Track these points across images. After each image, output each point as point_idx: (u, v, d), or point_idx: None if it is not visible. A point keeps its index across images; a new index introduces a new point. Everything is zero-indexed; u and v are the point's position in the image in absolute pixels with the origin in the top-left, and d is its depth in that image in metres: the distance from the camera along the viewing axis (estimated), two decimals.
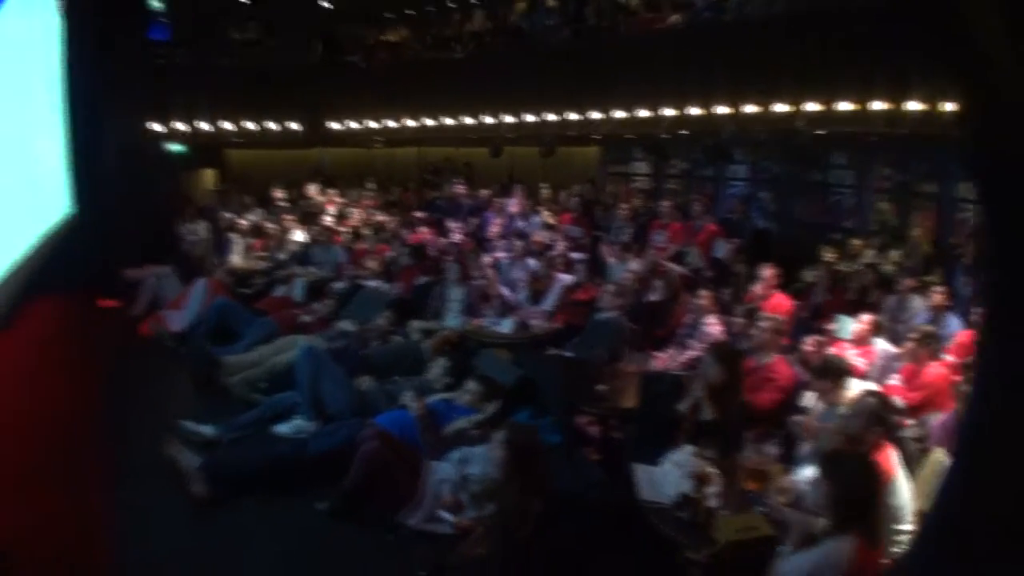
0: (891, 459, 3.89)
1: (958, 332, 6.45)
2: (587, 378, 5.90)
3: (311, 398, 5.97)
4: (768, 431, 4.36)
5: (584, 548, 4.04)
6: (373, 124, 15.58)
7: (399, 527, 4.63)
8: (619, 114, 12.01)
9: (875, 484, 3.28)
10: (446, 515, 4.64)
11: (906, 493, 3.85)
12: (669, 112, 11.38)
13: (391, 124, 15.41)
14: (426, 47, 16.17)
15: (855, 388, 4.71)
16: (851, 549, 3.08)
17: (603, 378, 5.94)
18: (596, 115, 12.33)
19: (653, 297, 7.88)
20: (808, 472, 4.02)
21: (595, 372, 6.02)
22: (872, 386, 5.00)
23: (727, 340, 6.27)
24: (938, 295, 6.78)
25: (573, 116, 12.70)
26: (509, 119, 13.61)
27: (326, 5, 16.78)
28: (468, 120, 14.25)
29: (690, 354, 6.68)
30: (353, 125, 15.84)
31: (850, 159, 11.61)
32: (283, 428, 5.90)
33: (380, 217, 12.50)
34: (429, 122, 14.86)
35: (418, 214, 12.33)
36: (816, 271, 8.39)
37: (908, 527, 3.76)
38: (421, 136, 15.47)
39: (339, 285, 9.19)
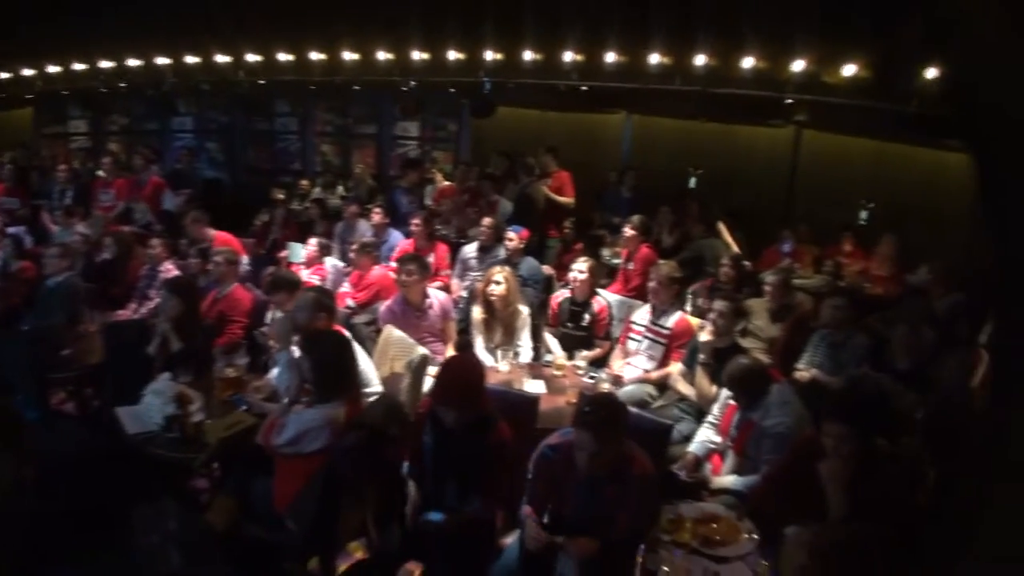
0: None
1: (400, 241, 7.63)
2: (48, 346, 5.57)
3: None
4: (236, 344, 4.71)
5: (90, 502, 3.96)
6: None
7: None
8: (52, 68, 10.92)
9: (349, 355, 3.85)
10: None
11: (367, 363, 4.54)
12: (107, 64, 10.71)
13: None
14: None
15: None
16: (341, 411, 3.61)
17: (65, 342, 5.68)
18: (28, 71, 11.03)
19: (105, 256, 7.57)
20: (276, 371, 4.49)
21: (55, 338, 5.71)
22: None
23: (180, 276, 6.39)
24: (377, 215, 7.79)
25: (2, 75, 11.14)
26: None
27: None
28: None
29: (153, 303, 6.64)
30: None
31: (293, 107, 12.32)
32: None
33: None
34: None
35: None
36: (269, 212, 8.91)
37: (374, 388, 4.44)
38: None
39: None
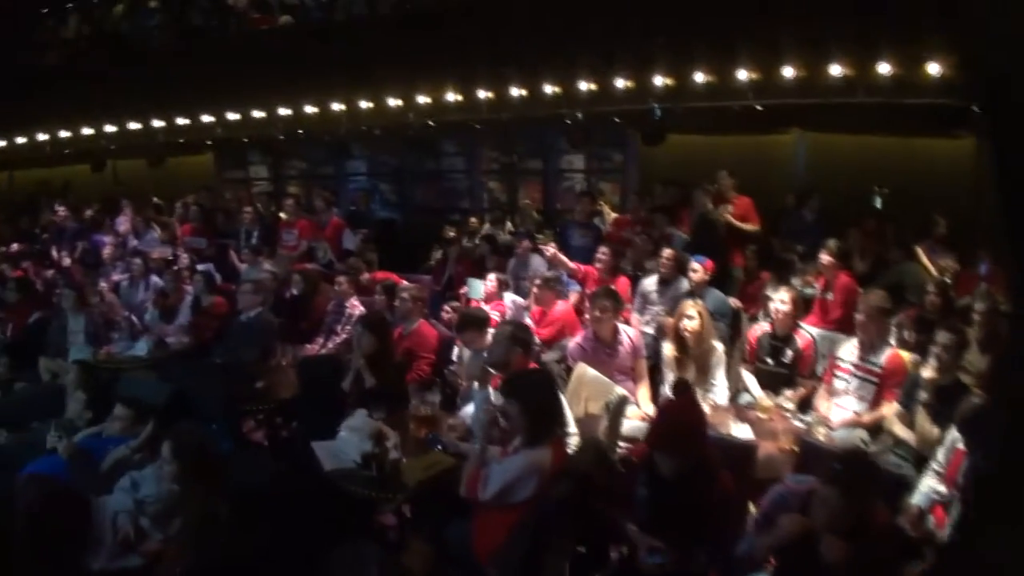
0: None
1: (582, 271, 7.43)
2: (243, 378, 5.75)
3: None
4: (428, 382, 4.62)
5: (285, 538, 3.96)
6: None
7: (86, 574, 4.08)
8: (232, 116, 11.48)
9: (556, 397, 3.65)
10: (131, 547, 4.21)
11: (564, 402, 4.28)
12: (284, 112, 11.20)
13: None
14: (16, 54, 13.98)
15: None
16: (547, 457, 3.42)
17: (259, 375, 5.84)
18: (208, 119, 11.65)
19: (293, 292, 7.83)
20: (469, 409, 4.36)
21: (249, 371, 5.89)
22: None
23: (374, 312, 6.45)
24: (551, 249, 7.62)
25: (183, 121, 11.84)
26: (111, 129, 12.32)
27: None
28: (64, 133, 12.64)
29: (340, 338, 6.80)
30: None
31: (460, 146, 12.49)
32: None
33: None
34: (19, 139, 12.91)
35: (15, 246, 10.81)
36: (442, 249, 8.96)
37: (570, 429, 4.20)
38: (10, 157, 13.45)
39: None
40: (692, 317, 5.13)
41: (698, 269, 6.51)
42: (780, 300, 5.41)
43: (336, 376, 5.03)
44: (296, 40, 11.64)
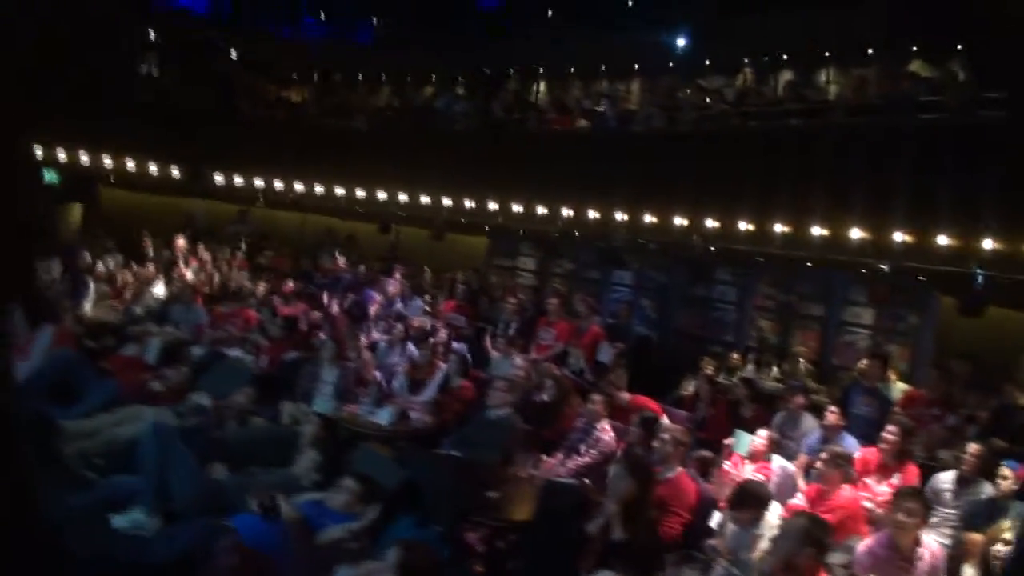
0: None
1: (860, 451, 6.34)
2: (478, 483, 5.38)
3: (156, 487, 4.95)
4: (687, 555, 3.97)
5: None
6: (257, 182, 14.42)
7: None
8: (516, 207, 11.77)
9: None
10: None
11: None
12: (567, 212, 11.25)
13: (276, 184, 14.31)
14: (326, 113, 15.47)
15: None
16: None
17: (495, 483, 5.45)
18: (492, 205, 12.03)
19: (543, 397, 7.51)
20: None
21: (486, 475, 5.53)
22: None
23: (637, 452, 5.84)
24: (832, 415, 6.65)
25: (469, 203, 12.33)
26: (403, 197, 13.07)
27: (232, 54, 16.04)
28: (359, 193, 13.57)
29: (581, 460, 6.33)
30: (236, 180, 14.53)
31: (734, 275, 11.80)
32: (120, 521, 4.83)
33: (248, 281, 11.65)
34: (317, 188, 13.97)
35: (291, 284, 11.53)
36: (694, 382, 8.36)
37: None
38: (305, 201, 14.56)
39: (197, 350, 8.16)
40: (1011, 543, 4.12)
41: (1009, 476, 5.39)
42: None
43: (580, 512, 4.52)
44: (589, 145, 11.83)
